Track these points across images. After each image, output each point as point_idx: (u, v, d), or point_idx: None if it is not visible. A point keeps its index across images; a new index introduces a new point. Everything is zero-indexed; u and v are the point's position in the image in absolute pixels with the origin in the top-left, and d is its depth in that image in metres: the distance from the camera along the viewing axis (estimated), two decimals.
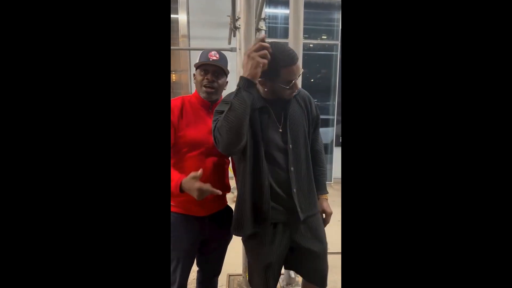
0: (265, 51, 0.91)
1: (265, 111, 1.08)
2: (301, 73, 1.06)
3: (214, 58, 1.15)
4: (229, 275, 2.05)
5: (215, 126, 0.99)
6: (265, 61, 0.91)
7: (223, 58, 1.18)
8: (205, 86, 1.15)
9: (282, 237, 1.13)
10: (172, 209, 1.19)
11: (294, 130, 1.10)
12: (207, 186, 1.01)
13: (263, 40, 0.92)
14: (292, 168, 1.10)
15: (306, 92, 1.21)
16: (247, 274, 1.77)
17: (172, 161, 1.15)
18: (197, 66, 1.18)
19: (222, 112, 0.97)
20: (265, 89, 1.06)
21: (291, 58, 0.99)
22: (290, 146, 1.10)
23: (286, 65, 0.99)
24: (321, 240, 1.18)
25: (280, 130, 1.10)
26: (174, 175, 1.08)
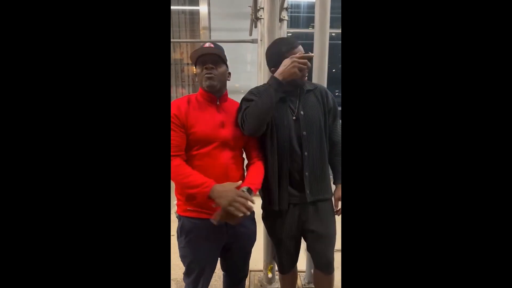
0: (306, 61, 1.07)
1: (282, 100, 1.18)
2: (307, 56, 1.11)
3: (209, 47, 1.13)
4: (250, 271, 2.05)
5: (243, 110, 1.12)
6: (301, 72, 1.08)
7: (218, 47, 1.15)
8: (206, 75, 1.12)
9: (293, 217, 1.24)
10: (189, 214, 1.12)
11: (308, 119, 1.20)
12: (245, 195, 1.01)
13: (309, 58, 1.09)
14: (306, 153, 1.20)
15: (324, 86, 1.34)
16: (268, 270, 1.75)
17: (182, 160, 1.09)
18: (195, 62, 1.15)
19: (249, 100, 1.14)
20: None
21: (290, 43, 1.16)
22: (304, 133, 1.19)
23: (287, 49, 1.14)
24: (328, 225, 1.25)
25: (294, 118, 1.20)
26: (199, 177, 1.04)
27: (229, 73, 1.21)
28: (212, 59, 1.12)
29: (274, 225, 1.27)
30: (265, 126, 1.12)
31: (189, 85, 4.34)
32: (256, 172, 1.18)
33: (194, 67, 1.16)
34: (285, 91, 1.16)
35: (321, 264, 1.29)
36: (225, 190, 1.01)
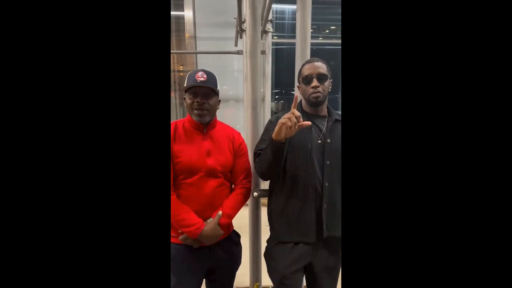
0: (294, 120, 0.96)
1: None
2: (322, 71, 1.11)
3: (202, 79, 1.07)
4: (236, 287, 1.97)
5: (257, 156, 1.15)
6: (291, 130, 0.96)
7: (211, 78, 1.10)
8: (196, 109, 1.08)
9: (303, 251, 1.15)
10: (172, 240, 1.11)
11: (334, 148, 1.13)
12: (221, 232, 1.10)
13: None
14: (326, 184, 1.12)
15: None
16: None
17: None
18: (185, 90, 1.10)
19: (261, 147, 1.15)
20: (301, 93, 1.17)
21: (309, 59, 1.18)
22: (328, 162, 1.12)
23: (305, 64, 1.16)
24: (337, 261, 1.19)
25: (319, 141, 1.13)
26: (191, 217, 1.06)
27: (219, 101, 1.18)
28: (204, 91, 1.08)
29: (279, 261, 1.16)
30: (278, 171, 1.13)
31: (175, 90, 4.24)
32: (235, 203, 1.16)
33: (184, 93, 1.13)
34: (309, 116, 1.15)
35: None
36: (213, 235, 1.09)
